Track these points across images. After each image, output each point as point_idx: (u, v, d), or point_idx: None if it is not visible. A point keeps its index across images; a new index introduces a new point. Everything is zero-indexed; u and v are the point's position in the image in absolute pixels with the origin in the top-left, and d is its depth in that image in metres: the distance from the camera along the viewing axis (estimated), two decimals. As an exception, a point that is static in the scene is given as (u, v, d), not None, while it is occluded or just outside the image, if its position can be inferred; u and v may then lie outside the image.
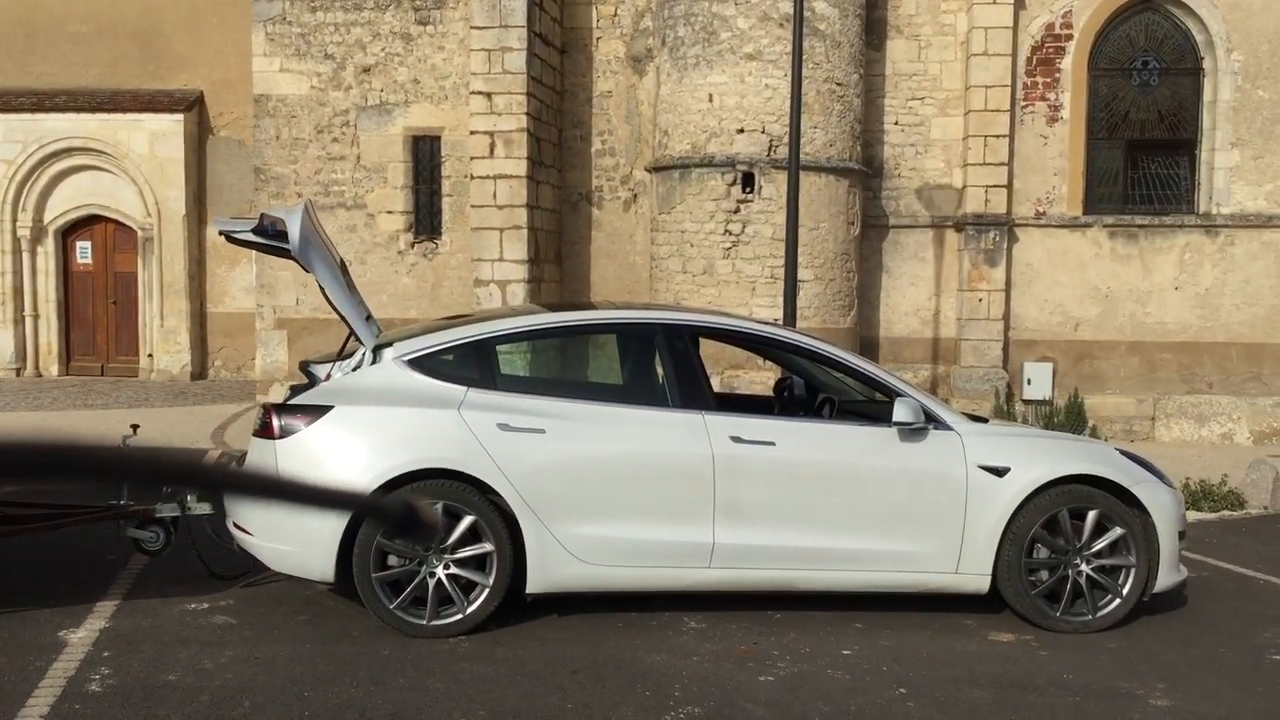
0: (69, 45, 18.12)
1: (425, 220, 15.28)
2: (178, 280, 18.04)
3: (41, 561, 7.00)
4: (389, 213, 15.18)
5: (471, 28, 14.12)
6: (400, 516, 4.05)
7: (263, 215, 6.19)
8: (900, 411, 6.06)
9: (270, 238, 6.10)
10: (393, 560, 5.83)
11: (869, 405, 6.83)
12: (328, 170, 15.16)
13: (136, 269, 18.23)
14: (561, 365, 8.61)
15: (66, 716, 4.67)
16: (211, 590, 6.45)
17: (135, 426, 6.56)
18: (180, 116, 17.72)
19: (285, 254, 6.23)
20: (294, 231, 6.01)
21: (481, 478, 5.84)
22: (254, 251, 16.88)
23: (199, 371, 18.35)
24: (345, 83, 15.05)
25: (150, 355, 18.24)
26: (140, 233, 18.05)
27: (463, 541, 5.85)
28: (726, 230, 13.53)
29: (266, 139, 15.21)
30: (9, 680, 5.05)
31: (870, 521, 6.10)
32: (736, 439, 6.04)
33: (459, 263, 15.01)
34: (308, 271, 6.23)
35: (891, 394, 6.24)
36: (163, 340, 18.15)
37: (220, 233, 6.51)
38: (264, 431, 6.00)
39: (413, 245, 15.23)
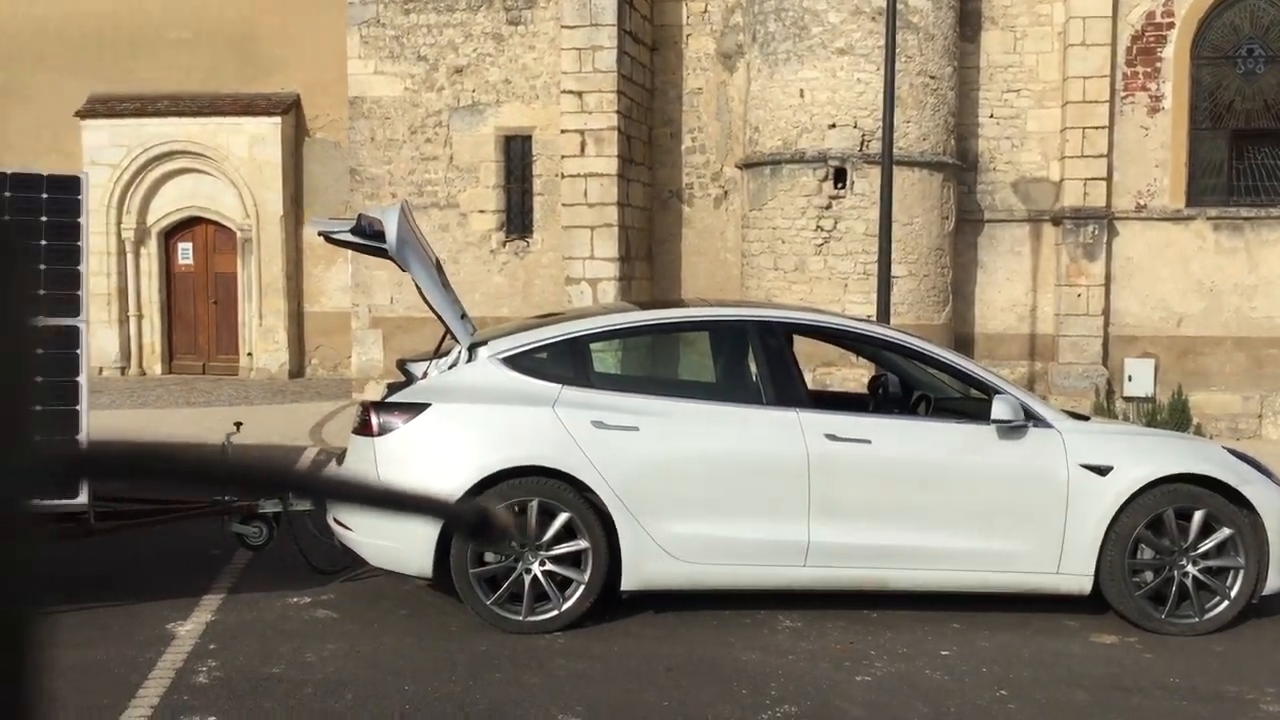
0: (171, 51, 18.60)
1: (516, 219, 15.41)
2: (276, 280, 18.43)
3: (148, 556, 7.20)
4: (481, 212, 15.33)
5: (562, 27, 14.20)
6: (474, 522, 4.06)
7: (360, 216, 6.29)
8: (1000, 409, 5.96)
9: (368, 238, 6.20)
10: (489, 557, 5.89)
11: (966, 402, 6.73)
12: (421, 170, 15.37)
13: (236, 269, 18.67)
14: (654, 363, 8.62)
15: (175, 708, 4.80)
16: (312, 584, 6.58)
17: (238, 424, 6.72)
18: (278, 119, 18.10)
19: (382, 254, 6.32)
20: (391, 231, 6.10)
21: (576, 475, 5.88)
22: (350, 251, 17.15)
23: (296, 370, 18.73)
24: (438, 84, 15.23)
25: (249, 354, 18.67)
26: (239, 234, 18.48)
27: (558, 539, 5.89)
28: (818, 226, 13.44)
29: (361, 140, 15.46)
30: (119, 672, 5.20)
31: (968, 520, 6.01)
32: (832, 436, 6.00)
33: (550, 261, 15.12)
34: (404, 271, 6.31)
35: (990, 391, 6.14)
36: (261, 339, 18.56)
37: (319, 233, 6.63)
38: (363, 429, 6.10)
39: (504, 244, 15.36)
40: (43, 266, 6.10)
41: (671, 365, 8.24)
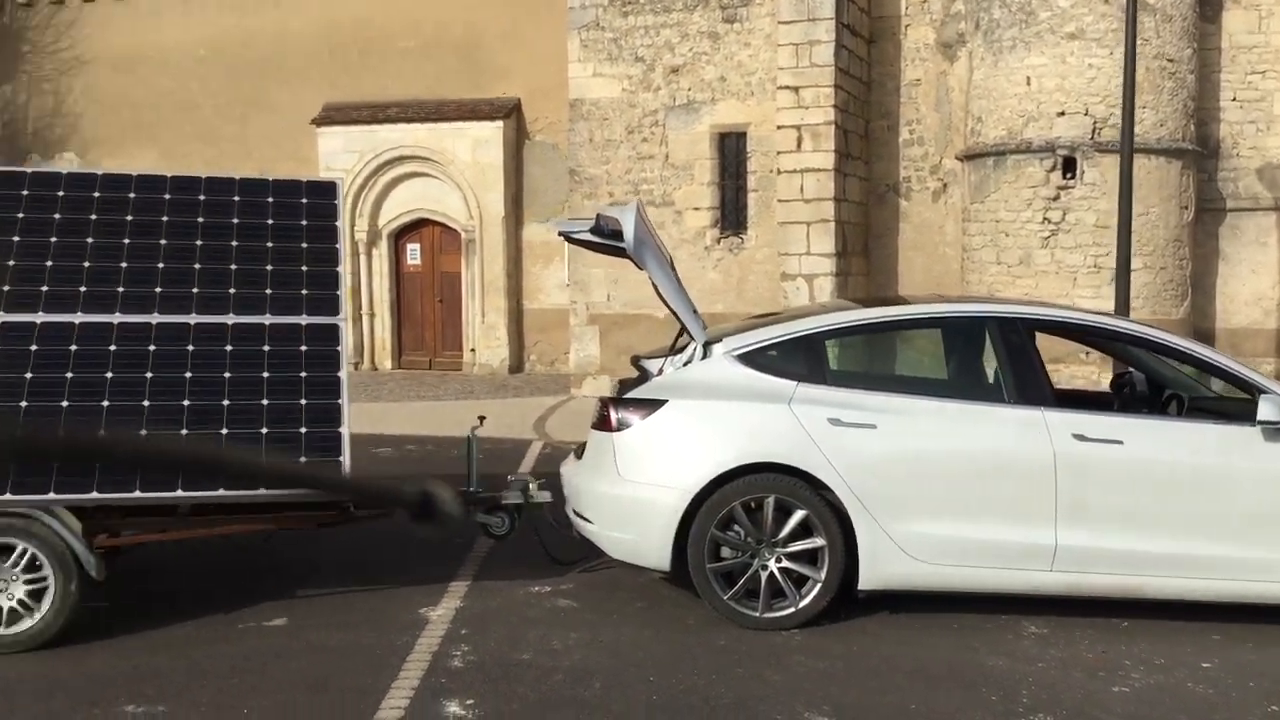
0: (399, 60, 19.40)
1: (731, 216, 15.46)
2: (497, 279, 19.01)
3: (399, 543, 7.53)
4: (696, 209, 15.44)
5: (779, 23, 14.16)
6: (417, 504, 4.04)
7: (599, 216, 6.42)
8: (1267, 409, 5.63)
9: (606, 237, 6.32)
10: (726, 552, 5.93)
11: (1224, 402, 6.39)
12: (637, 170, 15.58)
13: (460, 269, 19.33)
14: (887, 359, 8.50)
15: (435, 690, 5.01)
16: (552, 574, 6.76)
17: (482, 418, 6.96)
18: (500, 123, 18.65)
19: (620, 253, 6.43)
20: (628, 230, 6.21)
21: (813, 472, 5.85)
22: (567, 250, 17.52)
23: (516, 365, 19.27)
24: (654, 84, 15.41)
25: (473, 350, 19.31)
26: (464, 234, 19.14)
27: (794, 536, 5.88)
28: (1045, 218, 12.99)
29: (580, 141, 15.78)
30: (379, 654, 5.46)
31: (1230, 527, 5.70)
32: (1079, 437, 5.79)
33: (764, 257, 15.10)
34: (641, 269, 6.41)
35: (1255, 390, 5.81)
36: (484, 336, 19.18)
37: (560, 233, 6.80)
38: (602, 424, 6.23)
39: (719, 241, 15.43)
40: (305, 268, 6.46)
41: (904, 362, 8.11)
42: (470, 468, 6.80)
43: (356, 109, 19.48)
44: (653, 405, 6.11)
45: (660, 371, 6.38)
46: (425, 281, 19.75)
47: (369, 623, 5.91)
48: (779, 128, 14.24)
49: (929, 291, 14.56)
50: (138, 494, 5.46)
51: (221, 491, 5.53)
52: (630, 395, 6.26)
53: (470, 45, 19.09)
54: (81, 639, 5.57)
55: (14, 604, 5.46)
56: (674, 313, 6.37)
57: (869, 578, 5.89)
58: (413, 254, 19.72)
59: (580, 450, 6.59)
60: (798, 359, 6.21)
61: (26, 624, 5.47)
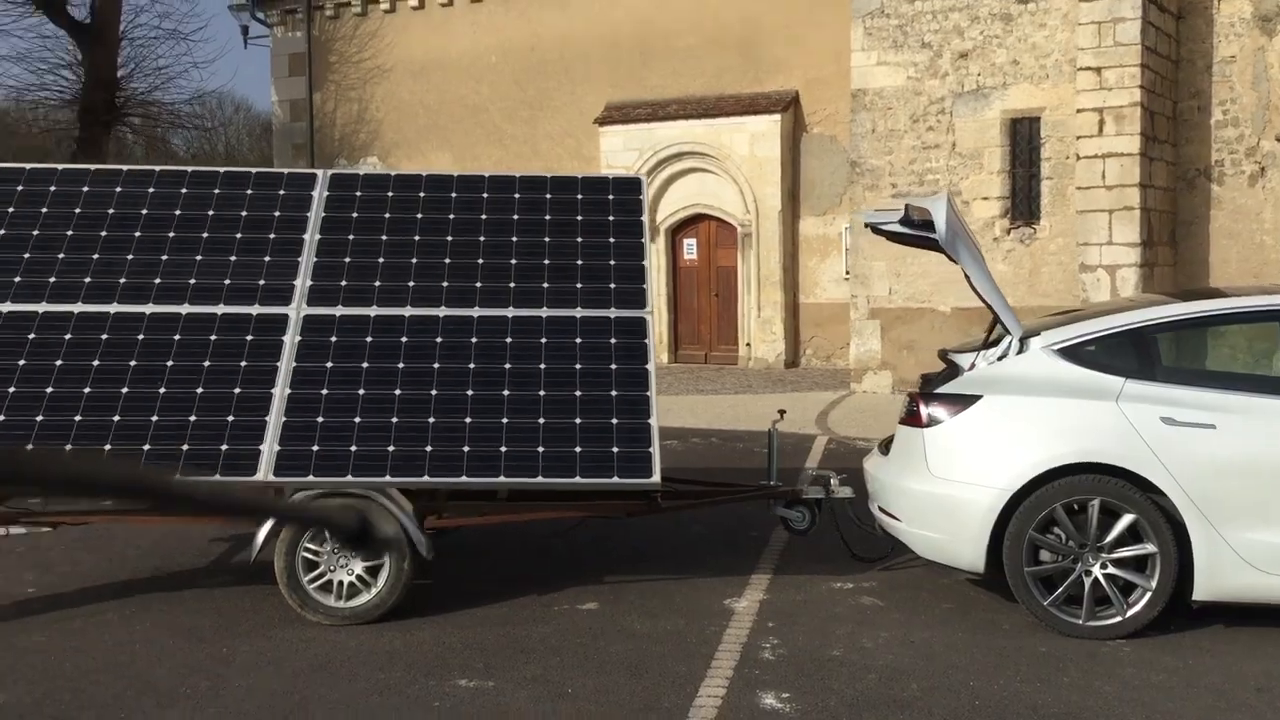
0: (679, 58, 19.65)
1: (1022, 205, 14.86)
2: (773, 273, 18.98)
3: (697, 534, 7.62)
4: (984, 199, 14.92)
5: (1080, 0, 13.48)
6: (353, 530, 3.81)
7: (907, 206, 6.26)
8: None
9: (916, 228, 6.16)
10: (1045, 555, 5.66)
11: None
12: (922, 159, 15.20)
13: (736, 263, 19.42)
14: (1221, 355, 7.93)
15: (749, 681, 5.01)
16: (853, 571, 6.66)
17: (782, 412, 6.94)
18: (777, 117, 18.60)
19: (929, 244, 6.26)
20: (940, 221, 6.03)
21: (1143, 474, 5.51)
22: (844, 244, 17.31)
23: (791, 360, 19.19)
24: (941, 70, 14.99)
25: (748, 344, 19.36)
26: (740, 229, 19.20)
27: (1121, 541, 5.56)
28: (1383, 202, 11.84)
29: (862, 132, 15.53)
30: (691, 642, 5.51)
31: None
32: None
33: (1058, 248, 14.43)
34: (953, 261, 6.21)
35: None
36: (759, 330, 19.19)
37: (866, 224, 6.68)
38: (911, 420, 6.08)
39: (1008, 231, 14.86)
40: (612, 262, 6.61)
41: (1240, 358, 7.54)
42: (771, 461, 6.79)
43: (636, 107, 19.87)
44: (966, 401, 5.91)
45: (972, 366, 6.16)
46: (701, 276, 19.94)
47: (676, 611, 5.99)
48: (1079, 111, 13.57)
49: (1245, 283, 13.54)
50: (464, 479, 5.72)
51: (540, 478, 5.72)
52: (941, 390, 6.07)
53: (748, 40, 19.13)
54: (412, 614, 5.88)
55: (353, 579, 5.82)
56: (988, 305, 6.14)
57: (1205, 588, 5.50)
58: (689, 249, 19.93)
59: (885, 445, 6.46)
60: (1125, 354, 5.86)
61: (364, 598, 5.82)
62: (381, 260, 6.55)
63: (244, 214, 6.72)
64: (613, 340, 6.28)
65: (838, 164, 18.67)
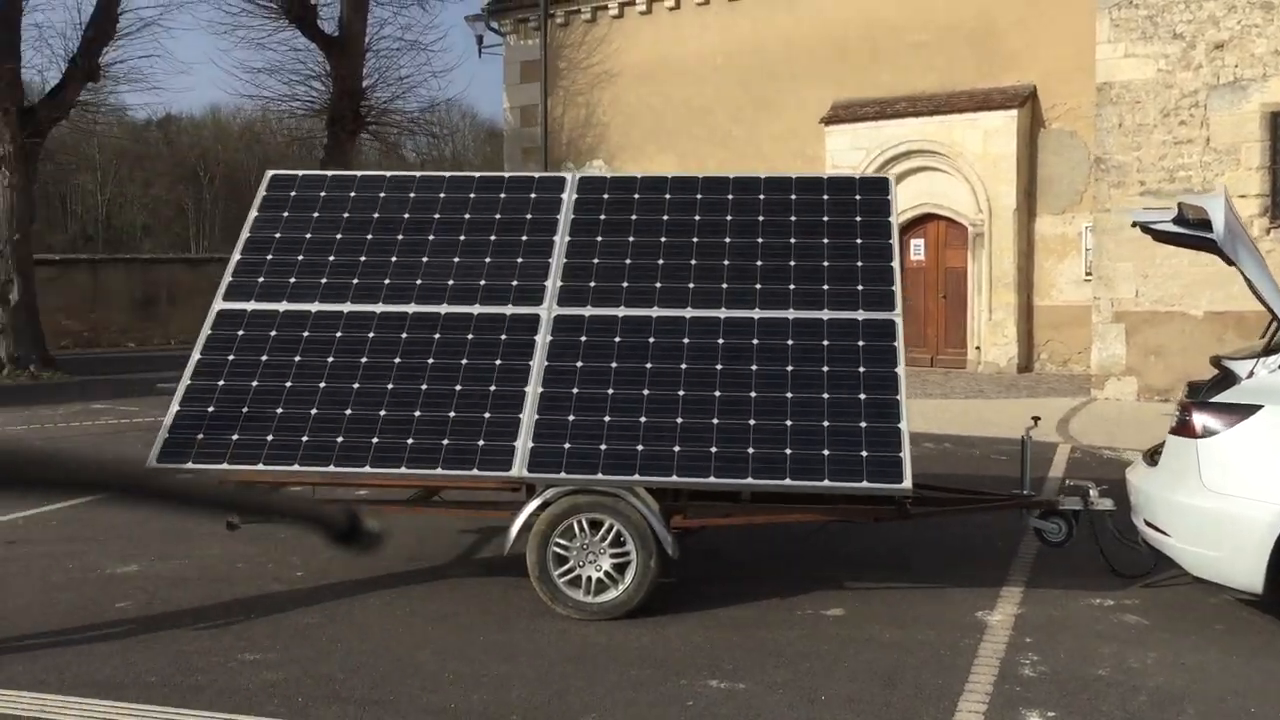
0: (909, 54, 19.25)
1: (1284, 203, 13.91)
2: (1006, 274, 18.36)
3: (940, 543, 7.43)
4: (1241, 197, 14.01)
5: (1354, -17, 12.52)
6: (342, 528, 3.56)
7: (1180, 205, 5.94)
8: None
9: (1191, 228, 5.84)
10: (1335, 579, 5.27)
11: None
12: (1173, 155, 14.42)
13: (966, 264, 18.88)
14: None
15: (1010, 697, 4.84)
16: (1112, 587, 6.37)
17: (1036, 419, 6.69)
18: (1014, 112, 17.99)
19: (1204, 245, 5.92)
20: (1218, 221, 5.69)
21: None
22: (1085, 242, 16.63)
23: (1024, 364, 18.52)
24: (1194, 62, 14.18)
25: (977, 348, 18.80)
26: (970, 229, 18.66)
27: None
28: None
29: (1108, 128, 14.85)
30: (945, 655, 5.37)
31: None
32: None
33: (1326, 248, 13.45)
34: (1230, 264, 5.85)
35: None
36: (990, 333, 18.60)
37: (1134, 223, 6.39)
38: (1182, 430, 5.76)
39: (1268, 230, 13.93)
40: (860, 263, 6.51)
41: None
42: (1024, 469, 6.56)
43: (864, 106, 19.58)
44: (1244, 411, 5.56)
45: (1250, 374, 5.79)
46: (929, 277, 19.48)
47: (925, 621, 5.85)
48: (1349, 102, 12.61)
49: None
50: (712, 479, 5.73)
51: (788, 481, 5.69)
52: (1217, 399, 5.73)
53: (982, 33, 18.58)
54: (657, 612, 5.94)
55: (601, 575, 5.92)
56: (1269, 309, 5.76)
57: None
58: (916, 249, 19.50)
59: (1152, 456, 6.14)
60: None
61: (611, 594, 5.91)
62: (629, 261, 6.64)
63: (498, 217, 6.93)
64: (861, 343, 6.18)
65: (1078, 160, 17.94)
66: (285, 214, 7.04)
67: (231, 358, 6.42)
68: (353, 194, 7.12)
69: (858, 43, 19.79)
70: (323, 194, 7.14)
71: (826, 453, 5.75)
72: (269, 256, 6.85)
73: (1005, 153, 18.14)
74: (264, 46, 25.23)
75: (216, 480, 6.13)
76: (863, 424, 5.85)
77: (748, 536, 7.48)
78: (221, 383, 6.31)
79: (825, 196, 6.84)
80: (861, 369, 6.07)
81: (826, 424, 5.86)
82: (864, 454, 5.73)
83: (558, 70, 22.80)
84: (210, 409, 6.20)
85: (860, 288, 6.40)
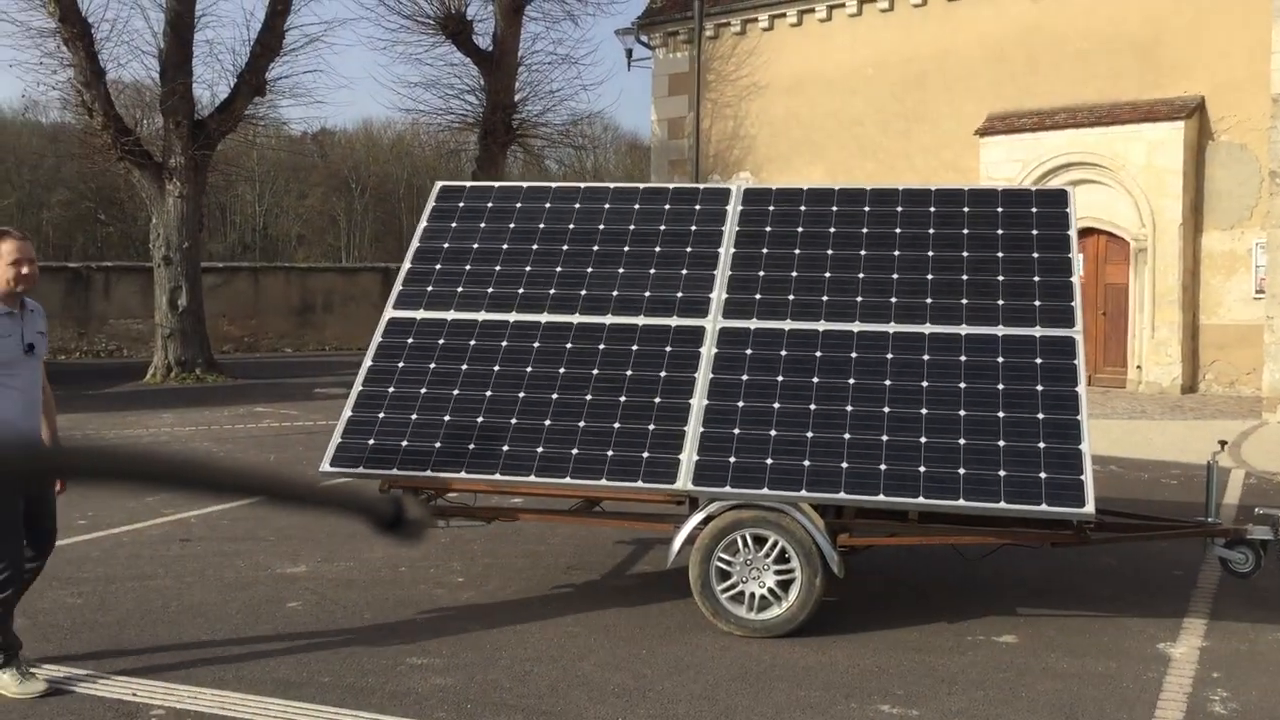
0: (1070, 64, 18.71)
1: None
2: (1170, 291, 17.68)
3: (1110, 569, 7.14)
4: None
5: None
6: (389, 516, 3.38)
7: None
8: None
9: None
10: None
11: None
12: (1357, 168, 13.68)
13: (1127, 280, 18.24)
14: None
15: (1202, 735, 4.60)
16: (1306, 623, 6.03)
17: (1223, 443, 6.38)
18: (1180, 124, 17.33)
19: None
20: None
21: None
22: (1255, 259, 15.90)
23: (1189, 384, 17.79)
24: (1383, 68, 13.44)
25: (1139, 366, 18.13)
26: (1133, 244, 18.02)
27: None
28: None
29: (1285, 139, 14.17)
30: (1128, 688, 5.14)
31: None
32: None
33: None
34: None
35: None
36: (1152, 352, 17.92)
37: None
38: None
39: None
40: (1037, 278, 6.30)
41: None
42: (1209, 495, 6.26)
43: (1021, 117, 19.09)
44: None
45: None
46: (1088, 293, 18.82)
47: (1104, 652, 5.61)
48: None
49: None
50: (881, 498, 5.60)
51: (961, 501, 5.52)
52: None
53: (1148, 42, 17.94)
54: (821, 631, 5.83)
55: (764, 592, 5.83)
56: None
57: None
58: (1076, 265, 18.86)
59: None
60: None
61: (774, 611, 5.82)
62: (795, 274, 6.56)
63: (662, 228, 6.92)
64: (1038, 360, 5.98)
65: (1248, 174, 17.19)
66: (454, 224, 7.15)
67: (401, 365, 6.53)
68: (519, 205, 7.19)
69: (1014, 52, 19.31)
70: (489, 205, 7.23)
71: (1003, 473, 5.57)
72: (438, 266, 6.96)
73: (1171, 166, 17.47)
74: (421, 61, 25.99)
75: (383, 486, 6.22)
76: (1041, 445, 5.65)
77: (911, 556, 7.30)
78: (392, 389, 6.43)
79: (1000, 209, 6.65)
80: (1040, 387, 5.87)
81: (1003, 443, 5.67)
82: (1043, 476, 5.54)
83: (706, 83, 22.80)
84: (381, 415, 6.32)
85: (1038, 303, 6.20)
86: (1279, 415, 14.28)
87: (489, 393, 6.33)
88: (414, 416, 6.29)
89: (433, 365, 6.50)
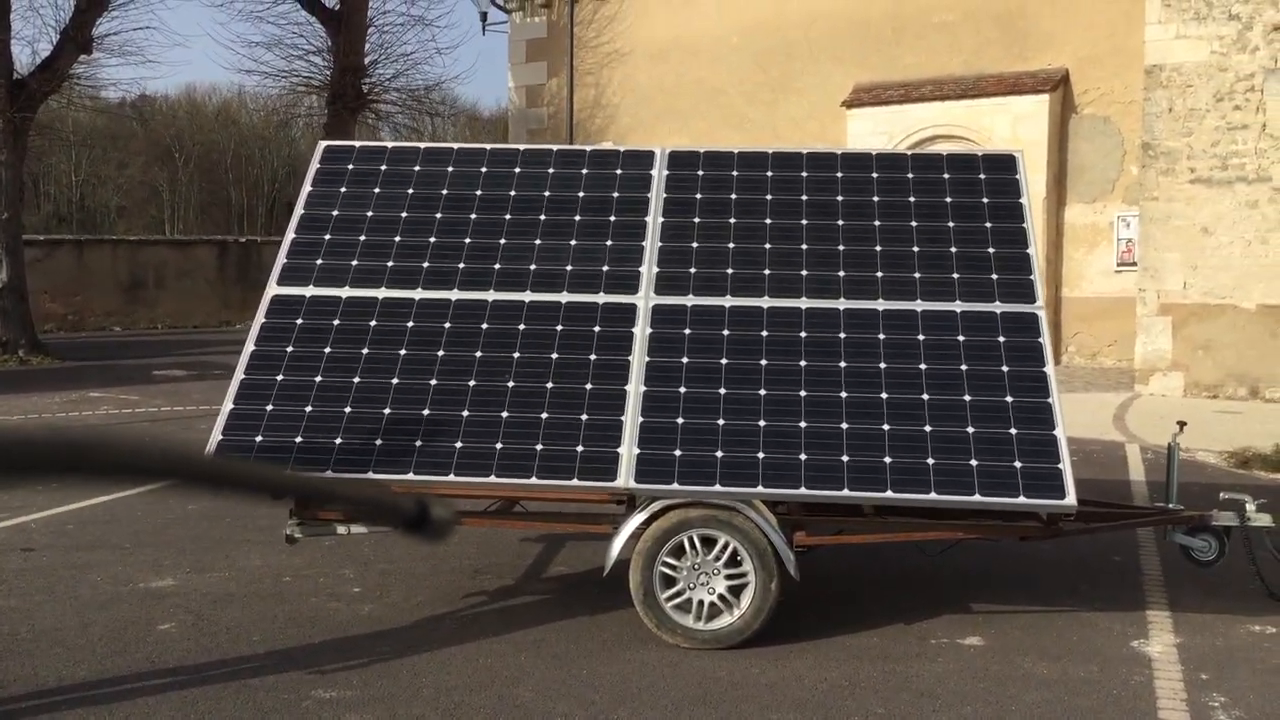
0: (935, 35, 18.61)
1: (1343, 192, 13.36)
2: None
3: (1049, 557, 6.80)
4: (1298, 185, 13.49)
5: None
6: (412, 516, 3.48)
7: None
8: None
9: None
10: None
11: None
12: (1226, 141, 13.85)
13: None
14: None
15: (1219, 749, 4.22)
16: (1269, 611, 5.76)
17: (1182, 424, 6.05)
18: (1045, 97, 17.39)
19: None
20: None
21: None
22: (1116, 232, 16.03)
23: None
24: (1251, 44, 13.61)
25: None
26: (999, 217, 18.05)
27: None
28: None
29: (1157, 112, 14.26)
30: (1119, 695, 4.75)
31: None
32: None
33: (1388, 240, 12.92)
34: None
35: None
36: (1017, 324, 18.00)
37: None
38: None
39: (1325, 221, 13.39)
40: (991, 250, 5.85)
41: None
42: (1170, 480, 5.92)
43: (887, 89, 18.92)
44: None
45: None
46: (953, 266, 18.86)
47: (1079, 653, 5.21)
48: None
49: None
50: (847, 492, 5.07)
51: (933, 495, 5.04)
52: None
53: (1012, 15, 17.95)
54: (774, 640, 5.29)
55: (714, 599, 5.25)
56: None
57: None
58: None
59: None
60: None
61: (725, 620, 5.25)
62: (731, 246, 5.97)
63: (581, 195, 6.23)
64: (1001, 338, 5.53)
65: (1111, 147, 17.37)
66: (343, 189, 6.32)
67: (290, 349, 5.70)
68: (417, 168, 6.40)
69: (881, 23, 19.13)
70: (383, 168, 6.41)
71: (974, 463, 5.10)
72: (327, 236, 6.13)
73: (1036, 139, 17.52)
74: (263, 20, 24.36)
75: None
76: (1013, 430, 5.20)
77: (845, 551, 6.82)
78: (280, 378, 5.59)
79: (946, 175, 6.18)
80: (1005, 368, 5.42)
81: (972, 430, 5.21)
82: (1018, 465, 5.09)
83: (565, 49, 22.03)
84: (269, 407, 5.49)
85: (995, 277, 5.75)
86: (1150, 387, 14.42)
87: (395, 380, 5.56)
88: (309, 409, 5.47)
89: (328, 349, 5.69)
